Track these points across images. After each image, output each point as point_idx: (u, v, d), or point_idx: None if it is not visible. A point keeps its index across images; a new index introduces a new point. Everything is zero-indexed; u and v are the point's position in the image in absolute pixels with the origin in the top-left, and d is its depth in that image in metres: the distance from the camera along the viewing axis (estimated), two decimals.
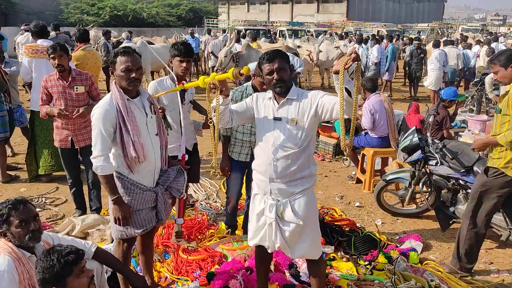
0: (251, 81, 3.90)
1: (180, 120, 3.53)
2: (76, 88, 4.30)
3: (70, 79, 4.30)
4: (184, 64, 3.76)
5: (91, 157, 2.88)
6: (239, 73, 2.74)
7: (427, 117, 5.59)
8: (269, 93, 2.90)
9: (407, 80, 13.87)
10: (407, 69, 13.39)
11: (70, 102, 4.30)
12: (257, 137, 2.94)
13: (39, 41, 5.50)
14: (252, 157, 3.83)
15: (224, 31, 15.48)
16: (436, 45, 11.63)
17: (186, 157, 3.37)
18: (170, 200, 3.20)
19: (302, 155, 2.78)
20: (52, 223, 4.59)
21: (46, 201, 5.14)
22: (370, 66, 12.72)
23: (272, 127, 2.81)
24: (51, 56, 4.23)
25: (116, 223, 2.98)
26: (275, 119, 2.81)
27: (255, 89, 3.82)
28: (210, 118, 3.23)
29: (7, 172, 5.81)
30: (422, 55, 12.70)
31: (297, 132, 2.76)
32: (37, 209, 4.67)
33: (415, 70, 12.70)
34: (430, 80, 10.91)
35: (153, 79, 13.41)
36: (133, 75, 2.86)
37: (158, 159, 3.05)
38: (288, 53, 11.86)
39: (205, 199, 5.32)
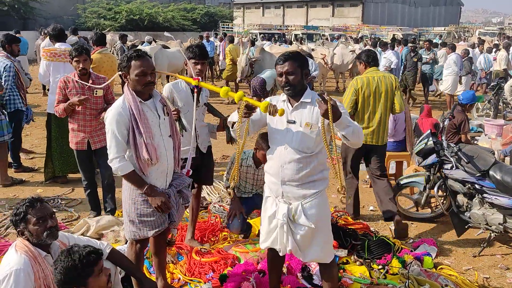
0: (252, 153, 4.15)
1: (194, 125, 3.55)
2: (96, 91, 4.36)
3: (90, 82, 4.37)
4: (198, 67, 3.79)
5: (108, 161, 2.92)
6: (274, 111, 2.67)
7: (442, 120, 5.53)
8: (283, 96, 2.90)
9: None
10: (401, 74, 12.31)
11: (88, 104, 4.35)
12: (270, 140, 2.94)
13: (57, 45, 5.60)
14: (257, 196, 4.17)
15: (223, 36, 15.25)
16: (453, 48, 11.41)
17: (190, 172, 3.40)
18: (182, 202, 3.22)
19: (315, 159, 2.77)
20: (68, 224, 4.65)
21: (61, 202, 5.21)
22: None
23: (285, 130, 2.82)
24: (75, 59, 4.27)
25: (133, 225, 3.01)
26: (289, 122, 2.81)
27: (256, 162, 4.05)
28: (226, 125, 3.31)
29: (12, 176, 5.87)
30: (416, 60, 11.67)
31: (310, 137, 2.75)
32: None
33: (406, 76, 11.74)
34: (446, 85, 10.76)
35: (168, 82, 13.70)
36: (149, 78, 2.90)
37: (171, 160, 3.08)
38: None
39: (219, 201, 5.34)
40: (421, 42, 24.82)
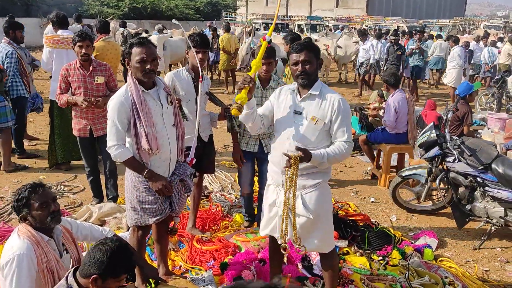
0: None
1: (196, 111, 3.55)
2: (97, 78, 4.36)
3: (91, 68, 4.36)
4: (200, 55, 3.77)
5: (107, 147, 2.93)
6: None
7: (446, 113, 5.52)
8: (293, 85, 2.90)
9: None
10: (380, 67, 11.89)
11: (90, 91, 4.35)
12: (275, 129, 2.95)
13: (60, 31, 5.58)
14: (260, 147, 4.00)
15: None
16: (456, 41, 11.29)
17: (194, 161, 3.40)
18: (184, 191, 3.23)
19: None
20: (70, 210, 4.68)
21: (64, 189, 5.24)
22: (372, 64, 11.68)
23: (291, 120, 2.82)
24: (79, 44, 4.27)
25: (135, 211, 3.03)
26: (295, 112, 2.81)
27: (262, 80, 3.88)
28: (227, 114, 3.29)
29: (15, 162, 5.89)
30: (399, 53, 11.15)
31: (315, 131, 2.75)
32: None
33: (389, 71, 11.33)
34: (450, 78, 10.70)
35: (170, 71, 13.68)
36: (148, 66, 2.88)
37: (174, 149, 3.08)
38: None
39: (220, 190, 5.35)
40: (425, 35, 24.74)
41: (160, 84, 3.07)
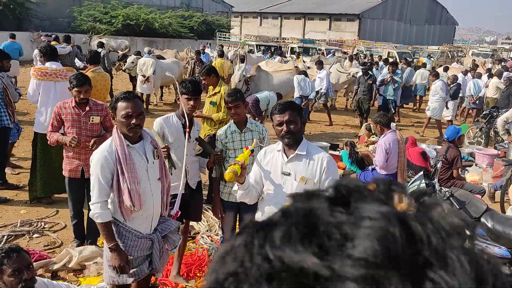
0: (232, 121, 3.91)
1: (185, 162, 3.47)
2: (92, 118, 4.29)
3: (87, 108, 4.28)
4: (191, 102, 3.72)
5: (90, 203, 2.83)
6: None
7: (435, 162, 5.50)
8: (279, 145, 2.85)
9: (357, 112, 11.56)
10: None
11: (84, 131, 4.28)
12: (265, 189, 2.88)
13: (48, 64, 5.49)
14: None
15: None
16: (436, 75, 11.30)
17: (179, 214, 3.32)
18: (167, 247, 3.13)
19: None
20: (50, 252, 4.51)
21: (45, 226, 5.07)
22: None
23: (280, 181, 2.77)
24: (77, 89, 4.19)
25: (113, 270, 2.92)
26: (283, 173, 2.77)
27: (237, 124, 3.82)
28: (216, 161, 3.23)
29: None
30: (370, 82, 10.85)
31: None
32: (35, 235, 4.69)
33: (362, 101, 10.87)
34: (434, 111, 10.85)
35: (162, 93, 13.61)
36: (133, 121, 2.82)
37: (158, 205, 2.99)
38: (300, 76, 11.64)
39: (207, 230, 5.23)
40: (415, 60, 25.11)
41: (146, 138, 2.99)
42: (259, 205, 2.92)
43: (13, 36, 12.73)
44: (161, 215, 3.07)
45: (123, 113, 2.80)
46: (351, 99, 13.09)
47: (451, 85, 11.86)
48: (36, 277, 2.60)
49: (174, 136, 3.74)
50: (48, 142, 4.36)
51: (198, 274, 4.24)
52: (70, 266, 4.14)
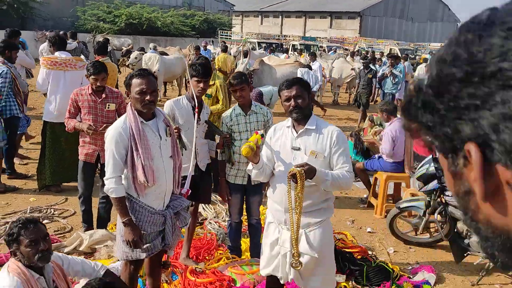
0: (236, 104, 3.95)
1: (194, 143, 3.49)
2: (108, 105, 4.33)
3: (103, 96, 4.32)
4: (201, 85, 3.75)
5: (104, 178, 2.85)
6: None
7: None
8: (288, 121, 2.87)
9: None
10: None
11: (100, 118, 4.31)
12: (276, 165, 2.90)
13: (57, 53, 5.51)
14: (249, 180, 3.85)
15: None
16: None
17: (189, 192, 3.34)
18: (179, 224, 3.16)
19: (320, 188, 2.72)
20: (60, 236, 4.55)
21: (54, 213, 5.10)
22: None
23: (290, 156, 2.77)
24: (94, 77, 4.24)
25: (127, 245, 2.94)
26: (293, 148, 2.77)
27: (242, 107, 3.85)
28: (225, 143, 3.23)
29: (5, 182, 5.75)
30: (370, 76, 10.85)
31: (315, 165, 2.71)
32: (45, 221, 4.71)
33: (361, 94, 10.86)
34: None
35: (165, 89, 13.64)
36: (148, 97, 2.84)
37: (170, 182, 3.02)
38: (304, 69, 11.64)
39: (214, 217, 5.26)
40: (417, 57, 25.10)
41: (159, 116, 3.02)
42: (270, 181, 2.93)
43: (18, 32, 12.74)
44: (173, 193, 3.09)
45: (137, 89, 2.83)
46: (353, 94, 13.11)
47: None
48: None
49: (184, 118, 3.77)
50: (66, 129, 4.40)
51: (207, 257, 4.26)
52: (81, 249, 4.17)
